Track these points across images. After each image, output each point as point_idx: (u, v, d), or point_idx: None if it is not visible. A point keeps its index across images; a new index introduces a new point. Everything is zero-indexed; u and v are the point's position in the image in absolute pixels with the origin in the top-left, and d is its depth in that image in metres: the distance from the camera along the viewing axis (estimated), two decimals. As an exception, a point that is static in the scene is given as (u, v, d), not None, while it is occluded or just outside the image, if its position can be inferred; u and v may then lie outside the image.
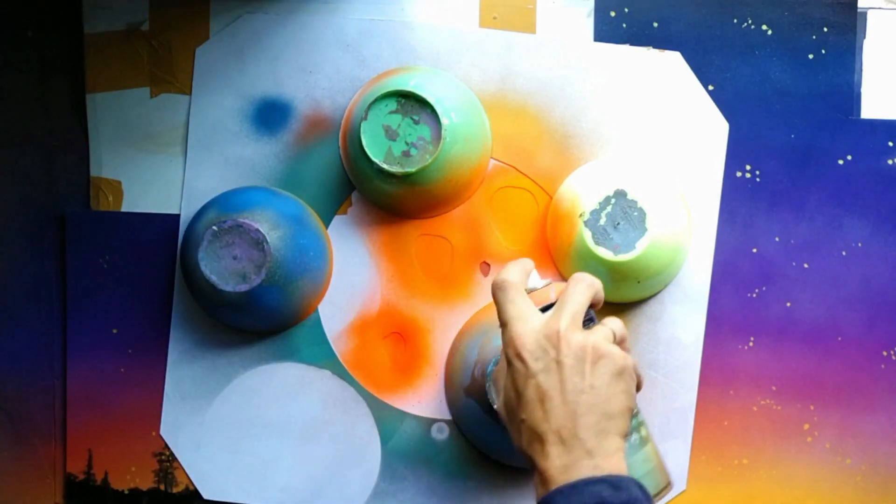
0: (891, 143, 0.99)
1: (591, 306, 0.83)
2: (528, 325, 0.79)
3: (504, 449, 0.99)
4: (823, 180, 1.00)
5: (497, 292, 0.82)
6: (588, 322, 0.82)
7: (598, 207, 0.94)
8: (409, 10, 1.02)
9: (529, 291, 0.85)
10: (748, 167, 1.00)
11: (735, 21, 0.99)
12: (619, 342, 0.82)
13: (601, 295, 0.83)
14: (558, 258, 0.99)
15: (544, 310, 0.82)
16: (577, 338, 0.78)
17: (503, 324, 0.81)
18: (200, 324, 1.04)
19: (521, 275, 0.84)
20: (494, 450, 1.00)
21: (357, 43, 1.02)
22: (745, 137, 1.00)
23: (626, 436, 0.79)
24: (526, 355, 0.78)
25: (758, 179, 1.00)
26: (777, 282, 1.00)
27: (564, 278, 1.00)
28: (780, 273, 1.00)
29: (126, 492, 1.05)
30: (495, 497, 1.02)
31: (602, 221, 0.94)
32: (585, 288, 0.82)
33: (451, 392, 1.00)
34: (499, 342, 0.94)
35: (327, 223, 1.03)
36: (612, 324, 0.82)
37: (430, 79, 0.98)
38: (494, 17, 1.01)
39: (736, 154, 1.00)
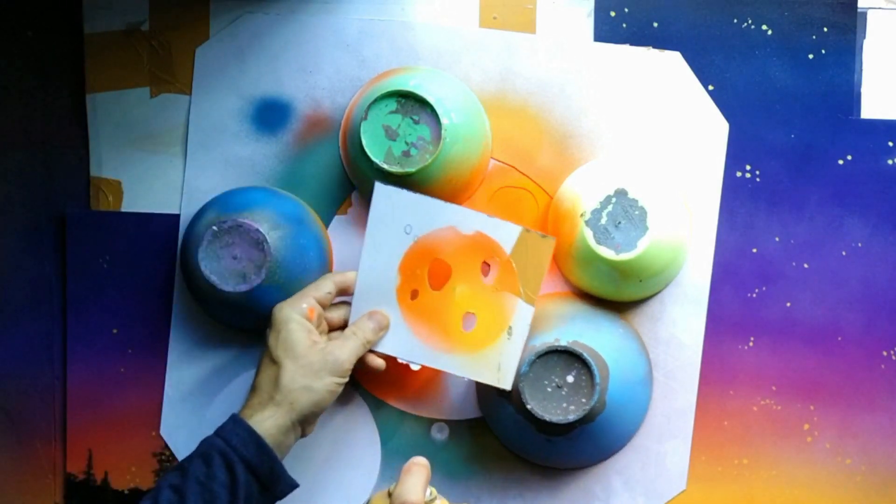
0: (891, 143, 0.99)
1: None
2: None
3: (537, 450, 0.99)
4: (823, 180, 1.00)
5: None
6: None
7: (598, 207, 0.94)
8: (409, 10, 1.02)
9: None
10: (748, 167, 1.00)
11: (735, 21, 0.99)
12: None
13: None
14: (560, 258, 0.99)
15: None
16: None
17: None
18: (200, 324, 1.04)
19: (423, 492, 0.84)
20: (528, 451, 1.00)
21: (357, 43, 1.02)
22: (745, 137, 1.00)
23: None
24: None
25: (758, 179, 1.00)
26: (777, 282, 1.00)
27: (566, 278, 1.01)
28: (780, 273, 1.00)
29: (126, 492, 1.05)
30: (495, 497, 1.02)
31: (603, 221, 0.94)
32: None
33: (484, 395, 1.00)
34: (532, 343, 0.95)
35: (327, 223, 1.03)
36: None
37: (431, 79, 0.98)
38: (494, 17, 1.01)
39: (736, 154, 1.00)
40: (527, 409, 0.92)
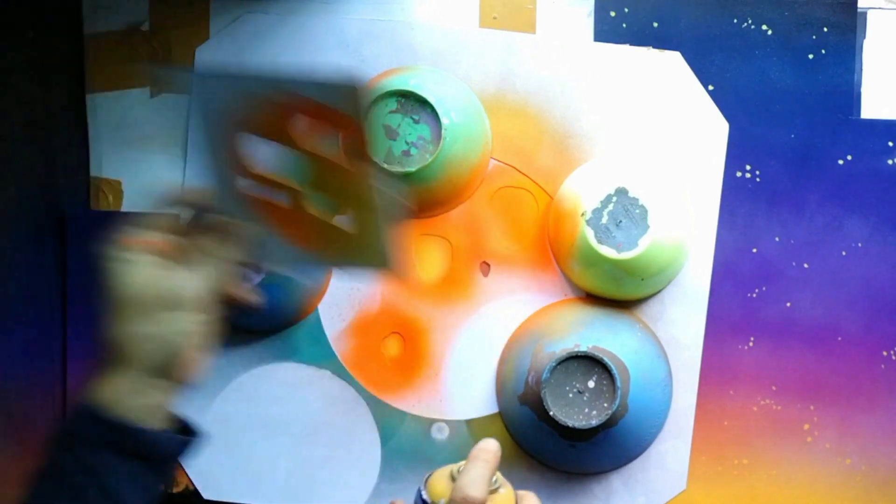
0: (891, 143, 0.99)
1: None
2: None
3: (562, 456, 0.99)
4: (823, 180, 1.00)
5: None
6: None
7: (599, 206, 0.94)
8: (409, 10, 1.02)
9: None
10: (748, 167, 1.00)
11: (735, 21, 0.99)
12: None
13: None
14: (560, 258, 0.99)
15: None
16: None
17: None
18: (200, 324, 1.04)
19: (487, 485, 0.76)
20: (552, 457, 1.01)
21: (357, 43, 1.02)
22: (745, 137, 1.00)
23: None
24: None
25: (758, 179, 1.00)
26: (777, 282, 1.00)
27: (567, 278, 1.01)
28: (780, 273, 1.00)
29: (126, 492, 1.05)
30: (495, 497, 1.02)
31: (604, 220, 0.94)
32: None
33: (504, 400, 1.00)
34: (552, 349, 0.94)
35: (327, 223, 1.03)
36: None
37: (430, 78, 0.98)
38: (494, 17, 1.02)
39: (736, 154, 1.00)
40: (549, 416, 0.93)
